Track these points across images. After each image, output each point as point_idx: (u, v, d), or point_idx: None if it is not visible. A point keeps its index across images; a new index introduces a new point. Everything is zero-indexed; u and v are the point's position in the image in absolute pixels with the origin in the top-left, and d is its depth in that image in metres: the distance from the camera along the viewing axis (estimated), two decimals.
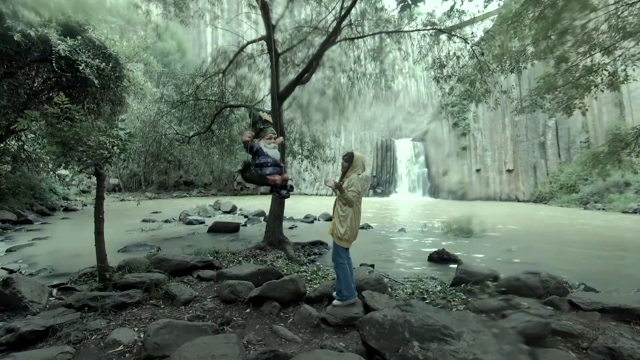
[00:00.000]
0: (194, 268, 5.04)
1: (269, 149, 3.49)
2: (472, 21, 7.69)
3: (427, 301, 3.86)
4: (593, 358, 2.46)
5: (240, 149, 10.07)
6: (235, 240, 8.60)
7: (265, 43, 7.68)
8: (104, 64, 7.68)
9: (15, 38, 6.57)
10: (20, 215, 12.22)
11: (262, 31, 7.50)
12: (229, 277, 4.33)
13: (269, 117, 3.92)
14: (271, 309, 3.47)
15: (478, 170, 28.59)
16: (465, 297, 4.02)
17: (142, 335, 2.79)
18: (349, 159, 3.51)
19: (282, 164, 3.59)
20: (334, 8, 7.58)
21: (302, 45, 8.30)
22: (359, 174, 3.49)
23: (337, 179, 3.58)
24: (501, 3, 7.25)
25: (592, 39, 6.65)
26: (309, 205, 19.82)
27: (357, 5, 7.16)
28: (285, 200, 7.06)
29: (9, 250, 7.41)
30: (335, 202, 3.52)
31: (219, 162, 11.55)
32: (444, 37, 7.33)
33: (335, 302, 3.44)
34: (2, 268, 5.46)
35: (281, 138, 3.83)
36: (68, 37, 7.30)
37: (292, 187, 3.66)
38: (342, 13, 6.78)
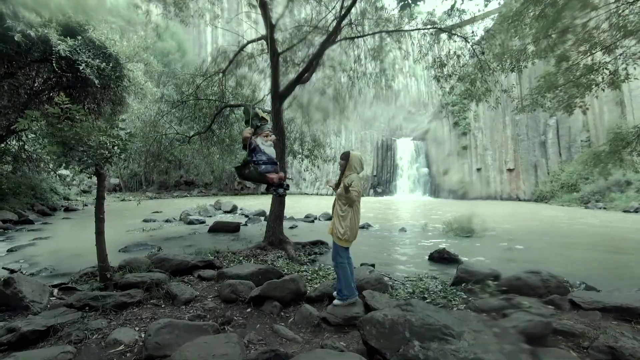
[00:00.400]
0: (195, 268, 5.04)
1: (266, 146, 3.50)
2: (473, 20, 7.68)
3: (427, 301, 3.86)
4: (594, 357, 2.45)
5: (241, 149, 10.07)
6: (235, 240, 8.60)
7: (265, 42, 7.68)
8: (104, 64, 7.70)
9: (16, 38, 6.58)
10: (21, 215, 12.23)
11: (262, 30, 7.50)
12: (229, 276, 4.33)
13: (265, 115, 3.92)
14: (272, 308, 3.48)
15: (479, 170, 28.56)
16: (466, 297, 4.02)
17: (143, 335, 2.79)
18: (345, 158, 3.53)
19: (277, 162, 3.59)
20: (334, 7, 7.57)
21: (302, 44, 8.29)
22: (358, 173, 3.49)
23: (337, 179, 3.60)
24: (501, 2, 7.25)
25: (593, 38, 6.63)
26: (309, 205, 19.82)
27: (357, 5, 7.14)
28: (286, 199, 7.11)
29: (10, 250, 7.42)
30: (335, 201, 3.52)
31: (219, 162, 11.56)
32: (444, 36, 7.32)
33: (335, 301, 3.44)
34: (3, 268, 5.48)
35: (274, 136, 3.84)
36: (68, 37, 7.31)
37: (288, 185, 3.67)
38: (342, 12, 6.77)
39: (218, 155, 10.86)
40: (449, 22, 7.37)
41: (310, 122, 10.02)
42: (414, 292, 4.23)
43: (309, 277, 4.80)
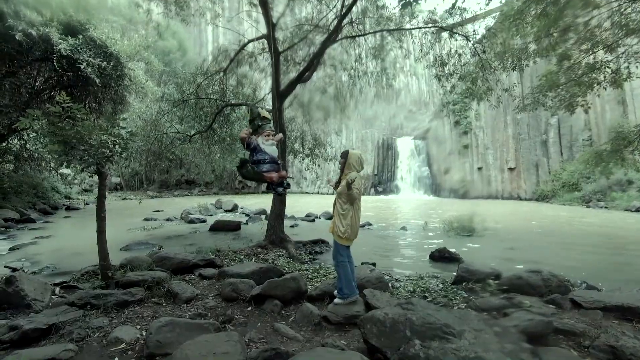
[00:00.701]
0: (196, 266, 5.05)
1: (267, 145, 3.49)
2: (474, 19, 7.66)
3: (428, 299, 3.86)
4: (595, 356, 2.45)
5: (242, 148, 10.08)
6: (236, 239, 8.61)
7: (266, 41, 7.67)
8: (105, 63, 7.69)
9: (17, 37, 6.58)
10: (23, 214, 12.27)
11: (263, 29, 7.49)
12: (230, 275, 4.34)
13: (267, 114, 3.91)
14: (273, 307, 3.48)
15: (480, 169, 28.52)
16: (467, 296, 4.02)
17: (144, 333, 2.80)
18: (344, 156, 3.55)
19: (279, 161, 3.58)
20: (334, 6, 7.56)
21: (303, 43, 8.28)
22: (358, 171, 3.49)
23: (337, 178, 3.61)
24: (503, 0, 7.21)
25: (595, 36, 6.61)
26: (310, 204, 19.82)
27: (358, 3, 7.13)
28: (287, 198, 7.11)
29: (12, 249, 7.44)
30: (335, 200, 3.52)
31: (220, 161, 11.57)
32: (445, 34, 7.31)
33: (336, 300, 3.44)
34: (5, 266, 5.50)
35: (280, 135, 3.83)
36: (69, 36, 7.30)
37: (288, 184, 3.66)
38: (343, 11, 6.76)
39: (219, 154, 10.87)
40: (450, 21, 7.37)
41: (310, 121, 10.02)
42: (415, 291, 4.22)
43: (310, 276, 4.80)
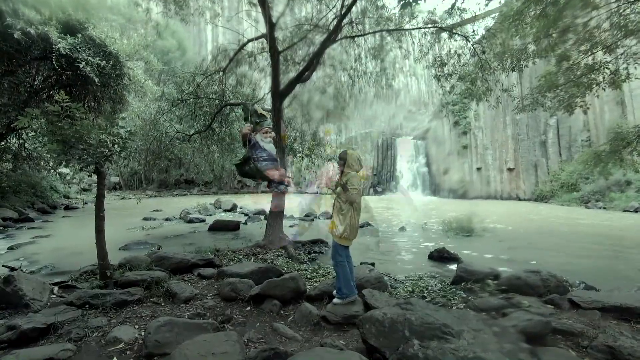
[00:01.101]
0: (195, 266, 5.05)
1: (265, 143, 3.50)
2: (473, 19, 7.67)
3: (427, 300, 3.86)
4: (593, 356, 2.46)
5: (241, 147, 10.08)
6: (235, 239, 8.60)
7: (265, 41, 7.67)
8: (104, 62, 7.66)
9: (16, 36, 6.55)
10: (22, 213, 12.25)
11: (263, 29, 7.50)
12: (229, 275, 4.33)
13: (264, 111, 3.91)
14: (271, 307, 3.48)
15: (479, 169, 28.54)
16: (466, 296, 4.02)
17: (142, 333, 2.79)
18: (342, 157, 3.54)
19: (277, 158, 3.59)
20: (334, 6, 7.56)
21: (302, 43, 8.29)
22: (357, 171, 3.49)
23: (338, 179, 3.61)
24: (502, 1, 7.23)
25: (594, 37, 6.63)
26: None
27: (357, 3, 7.14)
28: (286, 198, 7.11)
29: (10, 248, 7.43)
30: (335, 200, 3.52)
31: (219, 161, 11.57)
32: (444, 35, 7.32)
33: (335, 300, 3.44)
34: (3, 266, 5.48)
35: (273, 134, 3.83)
36: (68, 35, 7.28)
37: (289, 182, 3.67)
38: (343, 11, 6.76)
39: (218, 154, 10.87)
40: (449, 21, 7.38)
41: (310, 120, 10.02)
42: (414, 291, 4.23)
43: (309, 276, 4.80)
